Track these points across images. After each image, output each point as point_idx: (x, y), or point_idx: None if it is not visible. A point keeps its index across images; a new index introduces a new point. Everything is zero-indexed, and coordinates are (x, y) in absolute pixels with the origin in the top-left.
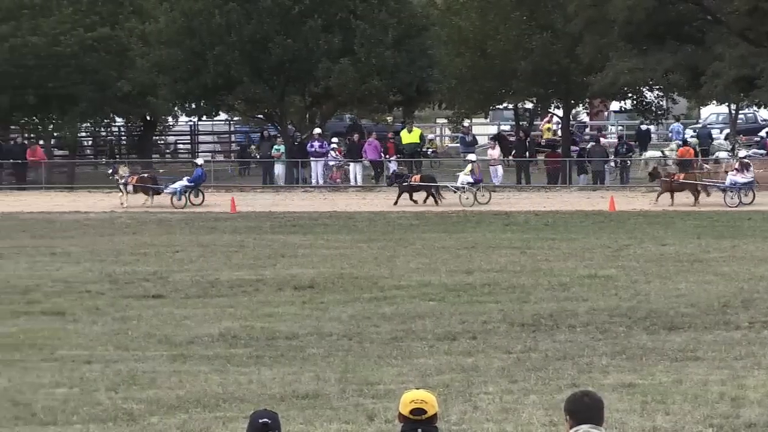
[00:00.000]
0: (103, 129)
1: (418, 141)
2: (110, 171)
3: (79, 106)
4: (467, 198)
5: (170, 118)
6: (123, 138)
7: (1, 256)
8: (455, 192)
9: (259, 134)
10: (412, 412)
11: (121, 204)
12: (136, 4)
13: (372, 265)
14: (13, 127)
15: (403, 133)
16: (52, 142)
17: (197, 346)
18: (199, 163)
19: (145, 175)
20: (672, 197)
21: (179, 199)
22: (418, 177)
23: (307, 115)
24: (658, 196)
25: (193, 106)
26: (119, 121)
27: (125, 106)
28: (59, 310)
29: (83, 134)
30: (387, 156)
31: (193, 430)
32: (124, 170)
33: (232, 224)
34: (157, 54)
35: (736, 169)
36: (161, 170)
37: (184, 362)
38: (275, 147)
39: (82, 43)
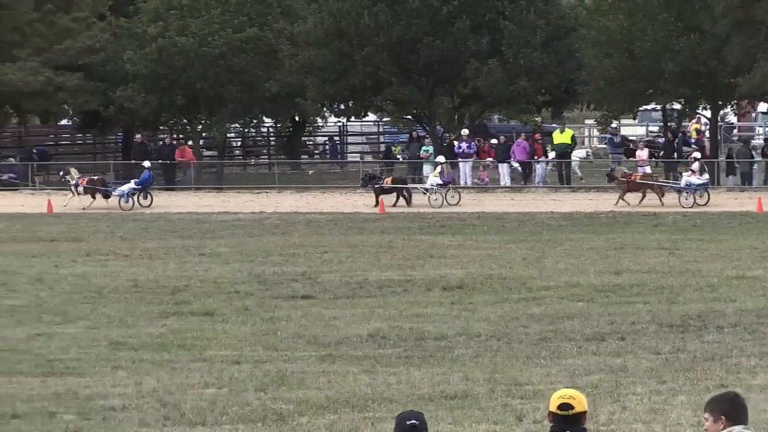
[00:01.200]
0: (251, 130)
1: (569, 142)
2: (61, 173)
3: (227, 107)
4: (436, 199)
5: (319, 119)
6: (272, 139)
7: (151, 256)
8: (425, 193)
9: (407, 135)
10: (560, 407)
11: (65, 205)
12: (284, 5)
13: (520, 266)
14: (162, 127)
15: (555, 134)
16: (200, 143)
17: (346, 346)
18: (146, 166)
19: (95, 177)
20: (644, 196)
21: (126, 201)
22: (389, 180)
23: (456, 116)
24: (620, 198)
25: (342, 107)
26: (268, 121)
27: (274, 107)
28: (208, 311)
29: (232, 135)
30: (536, 157)
31: (342, 431)
32: (74, 172)
33: (380, 225)
34: (306, 55)
35: (692, 170)
36: (310, 171)
37: (333, 363)
38: (424, 148)
39: (230, 44)
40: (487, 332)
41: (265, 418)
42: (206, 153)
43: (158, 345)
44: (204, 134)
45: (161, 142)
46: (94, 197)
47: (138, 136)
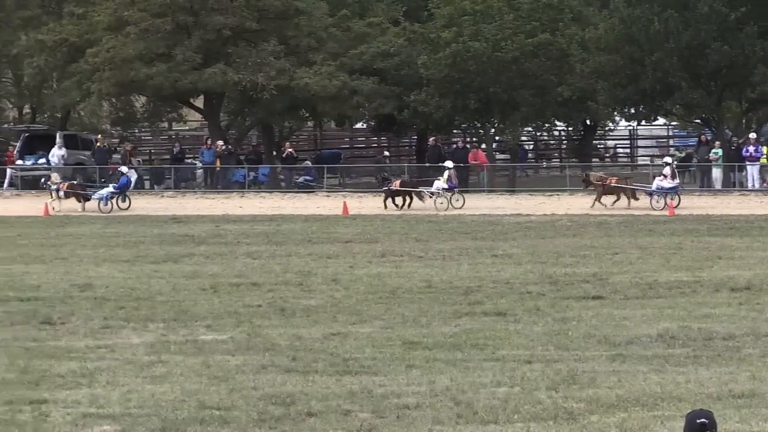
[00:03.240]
0: (543, 133)
1: None
2: (43, 179)
3: (520, 111)
4: (441, 203)
5: (610, 123)
6: (563, 142)
7: (444, 258)
8: (431, 197)
9: (696, 139)
10: None
11: (53, 209)
12: (576, 11)
13: None
14: (455, 131)
15: None
16: (493, 146)
17: (636, 346)
18: (124, 171)
19: (75, 182)
20: (625, 199)
21: (105, 204)
22: (398, 183)
23: (743, 120)
24: (595, 201)
25: (632, 111)
26: (560, 125)
27: (565, 111)
28: (500, 311)
29: (524, 138)
30: None
31: (632, 429)
32: (55, 177)
33: (669, 227)
34: (597, 60)
35: (663, 174)
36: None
37: (623, 362)
38: (713, 151)
39: (522, 48)
40: None
41: (556, 417)
42: (499, 156)
43: (451, 344)
44: (497, 138)
45: (454, 146)
46: (79, 200)
47: (432, 139)
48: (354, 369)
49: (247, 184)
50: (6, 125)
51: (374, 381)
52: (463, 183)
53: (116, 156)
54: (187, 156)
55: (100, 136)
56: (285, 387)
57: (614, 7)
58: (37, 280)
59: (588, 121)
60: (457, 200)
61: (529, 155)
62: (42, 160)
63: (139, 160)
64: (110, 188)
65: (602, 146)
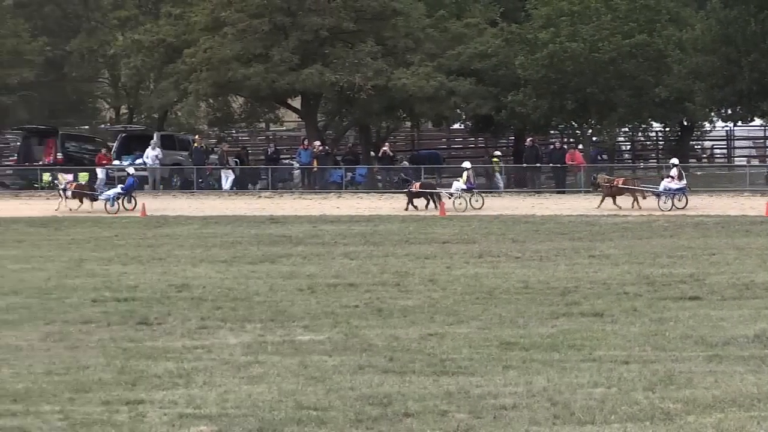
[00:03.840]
0: (640, 134)
1: None
2: (51, 178)
3: (617, 112)
4: (460, 203)
5: (707, 124)
6: (660, 143)
7: (542, 258)
8: (450, 198)
9: None
10: None
11: (56, 209)
12: (673, 12)
13: None
14: (552, 131)
15: None
16: (590, 147)
17: (733, 347)
18: (130, 173)
19: (82, 182)
20: (614, 201)
21: (112, 205)
22: (418, 185)
23: None
24: (601, 202)
25: (729, 111)
26: (656, 126)
27: (662, 112)
28: (597, 312)
29: (621, 138)
30: None
31: (729, 429)
32: (63, 177)
33: (766, 228)
34: (694, 61)
35: (670, 176)
36: (698, 173)
37: (720, 363)
38: None
39: (620, 49)
40: None
41: (653, 417)
42: (598, 157)
43: (548, 345)
44: (594, 138)
45: (552, 146)
46: (81, 201)
47: (529, 139)
48: (451, 369)
49: (344, 184)
50: (103, 125)
51: (471, 381)
52: (561, 183)
53: (213, 156)
54: (283, 156)
55: (197, 136)
56: (382, 387)
57: (711, 8)
58: (135, 280)
59: (685, 122)
60: (477, 200)
61: (626, 156)
62: (139, 161)
63: (236, 161)
64: (117, 189)
65: (699, 147)
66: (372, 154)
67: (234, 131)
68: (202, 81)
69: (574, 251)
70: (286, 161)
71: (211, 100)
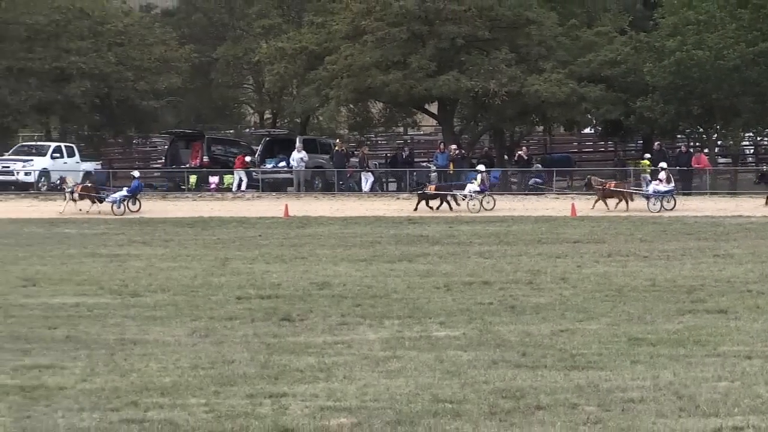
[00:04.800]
0: (765, 138)
1: None
2: (58, 181)
3: (741, 117)
4: (474, 205)
5: None
6: None
7: (668, 257)
8: (464, 199)
9: None
10: None
11: (61, 211)
12: None
13: None
14: (678, 136)
15: None
16: (716, 151)
17: None
18: (136, 176)
19: (89, 184)
20: (606, 203)
21: (119, 207)
22: (433, 187)
23: None
24: (595, 203)
25: None
26: None
27: None
28: (722, 309)
29: (745, 143)
30: None
31: None
32: (70, 180)
33: None
34: None
35: (659, 179)
36: None
37: None
38: None
39: (743, 57)
40: None
41: None
42: (721, 160)
43: (674, 341)
44: (719, 142)
45: (678, 150)
46: (93, 202)
47: (656, 143)
48: (581, 364)
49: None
50: (247, 130)
51: (600, 376)
52: (686, 185)
53: (354, 159)
54: (420, 160)
55: (338, 140)
56: (515, 381)
57: None
58: (278, 278)
59: None
60: (488, 202)
61: (749, 159)
62: (282, 164)
63: (375, 164)
64: (123, 191)
65: None
66: (506, 157)
67: (373, 135)
68: (342, 87)
69: (700, 251)
70: (424, 164)
71: (351, 106)
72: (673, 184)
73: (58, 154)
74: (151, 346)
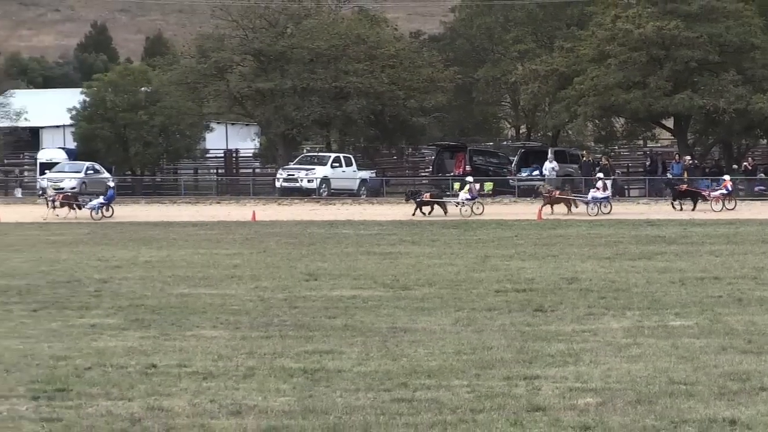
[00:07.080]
0: None
1: None
2: (41, 190)
3: None
4: (465, 210)
5: None
6: None
7: None
8: (456, 206)
9: None
10: None
11: (45, 218)
12: None
13: None
14: None
15: None
16: None
17: None
18: (111, 185)
19: (69, 193)
20: (551, 208)
21: (97, 213)
22: (428, 195)
23: None
24: (541, 208)
25: None
26: None
27: None
28: None
29: None
30: None
31: None
32: (50, 191)
33: None
34: None
35: (597, 187)
36: None
37: None
38: None
39: None
40: None
41: None
42: None
43: None
44: None
45: None
46: (71, 209)
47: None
48: None
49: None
50: (505, 142)
51: None
52: None
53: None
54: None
55: (585, 151)
56: (741, 366)
57: None
58: (532, 274)
59: None
60: (478, 208)
61: None
62: (536, 172)
63: (618, 173)
64: (100, 199)
65: None
66: (734, 167)
67: (616, 147)
68: (589, 104)
69: None
70: (659, 173)
71: (596, 121)
72: (609, 192)
73: (337, 164)
74: (420, 333)
